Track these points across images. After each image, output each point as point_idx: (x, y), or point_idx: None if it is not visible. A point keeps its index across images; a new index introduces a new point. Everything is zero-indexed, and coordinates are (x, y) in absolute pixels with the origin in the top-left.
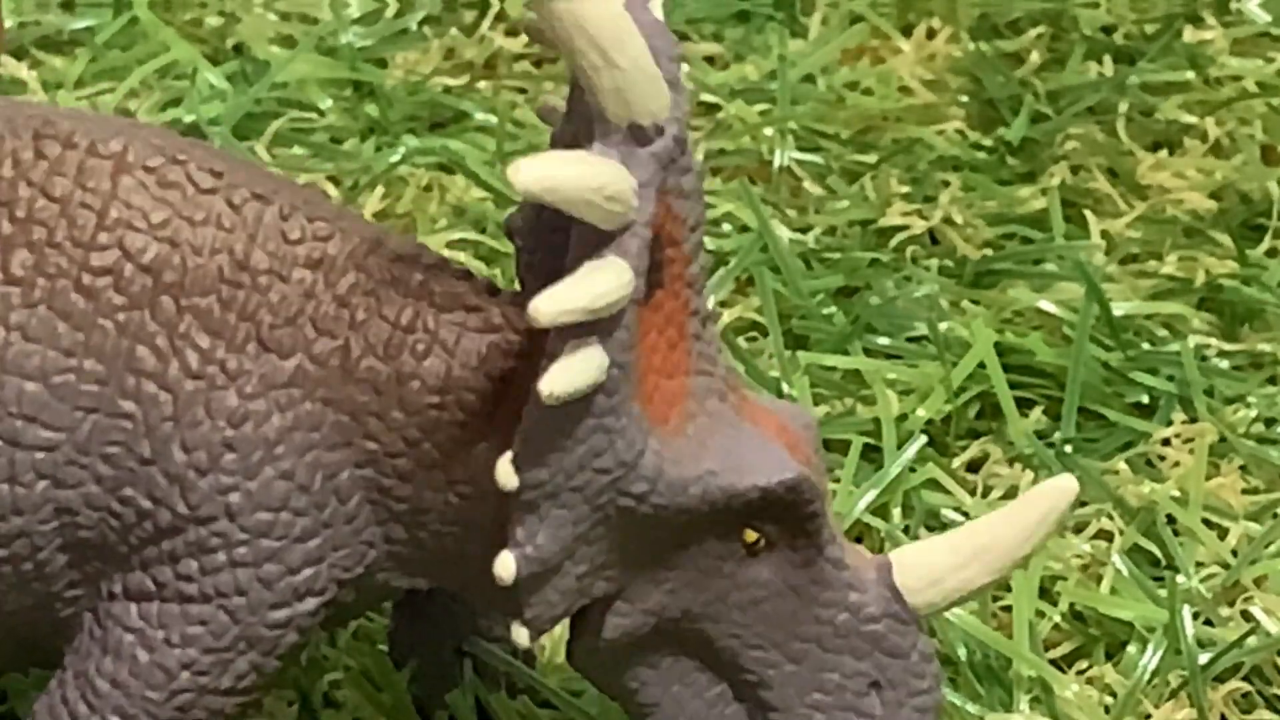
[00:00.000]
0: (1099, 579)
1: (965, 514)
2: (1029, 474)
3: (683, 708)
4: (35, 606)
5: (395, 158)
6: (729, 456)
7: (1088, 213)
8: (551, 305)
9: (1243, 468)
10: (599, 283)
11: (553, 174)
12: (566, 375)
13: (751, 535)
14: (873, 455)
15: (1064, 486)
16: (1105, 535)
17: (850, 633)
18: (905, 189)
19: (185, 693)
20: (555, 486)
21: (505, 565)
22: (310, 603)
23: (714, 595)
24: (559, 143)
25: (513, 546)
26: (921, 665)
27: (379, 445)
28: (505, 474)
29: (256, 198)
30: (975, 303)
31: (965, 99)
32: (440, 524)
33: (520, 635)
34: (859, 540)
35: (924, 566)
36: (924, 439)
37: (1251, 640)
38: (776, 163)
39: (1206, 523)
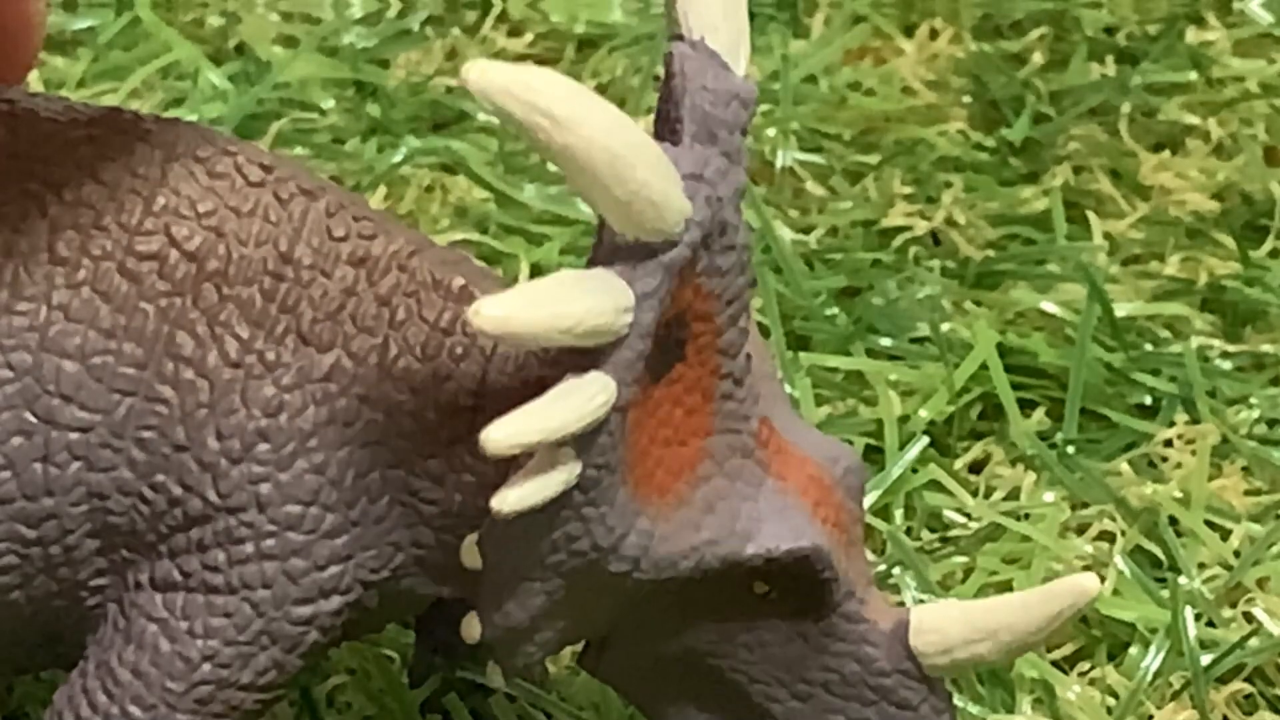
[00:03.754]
0: (1101, 580)
1: (967, 515)
2: (1031, 475)
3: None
4: (61, 594)
5: (397, 158)
6: (737, 521)
7: (1090, 213)
8: (504, 436)
9: (1245, 469)
10: (567, 409)
11: (513, 318)
12: (522, 494)
13: (762, 587)
14: (874, 456)
15: (1086, 587)
16: (1107, 536)
17: (859, 683)
18: (907, 189)
19: (205, 685)
20: (525, 569)
21: (470, 628)
22: (334, 601)
23: (719, 636)
24: None
25: (480, 612)
26: (930, 716)
27: (412, 445)
28: (469, 556)
29: (304, 193)
30: (977, 303)
31: (967, 99)
32: (469, 529)
33: (495, 678)
34: None
35: (938, 634)
36: (926, 440)
37: (1254, 641)
38: (779, 163)
39: (1209, 524)
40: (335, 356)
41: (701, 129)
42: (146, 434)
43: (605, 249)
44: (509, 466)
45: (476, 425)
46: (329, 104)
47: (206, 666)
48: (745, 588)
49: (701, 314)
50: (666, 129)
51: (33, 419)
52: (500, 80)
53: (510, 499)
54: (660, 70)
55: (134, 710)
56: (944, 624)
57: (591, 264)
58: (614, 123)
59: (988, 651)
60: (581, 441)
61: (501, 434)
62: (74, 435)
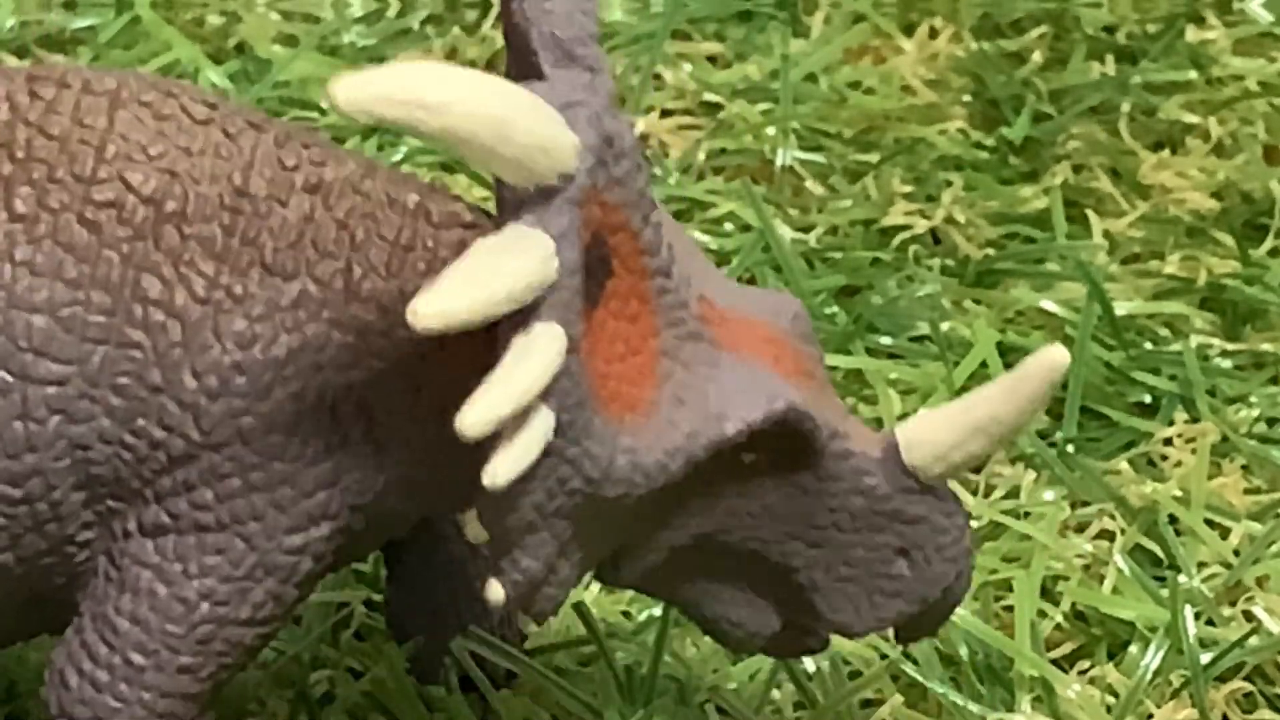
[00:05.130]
0: (1101, 579)
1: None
2: (1030, 473)
3: (719, 597)
4: (49, 550)
5: (397, 157)
6: (711, 404)
7: (1090, 212)
8: (480, 416)
9: (1244, 467)
10: (529, 370)
11: (451, 310)
12: (511, 462)
13: (750, 456)
14: None
15: (1056, 357)
16: (1107, 535)
17: (866, 514)
18: (907, 188)
19: (205, 624)
20: (527, 522)
21: (495, 593)
22: (325, 527)
23: (724, 513)
24: None
25: (498, 574)
26: (942, 521)
27: (385, 364)
28: (474, 530)
29: (252, 126)
30: (977, 302)
31: (967, 98)
32: (449, 445)
33: (528, 624)
34: None
35: (929, 444)
36: None
37: (1253, 640)
38: (779, 162)
39: (1208, 522)
40: (301, 284)
41: (558, 53)
42: (123, 380)
43: (510, 203)
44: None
45: (446, 339)
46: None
47: (205, 606)
48: (734, 462)
49: (615, 225)
50: (523, 65)
51: (8, 377)
52: (369, 91)
53: (502, 471)
54: (660, 69)
55: (136, 657)
56: (932, 433)
57: (500, 221)
58: (484, 89)
59: (980, 447)
60: (547, 392)
61: (476, 417)
62: (51, 389)
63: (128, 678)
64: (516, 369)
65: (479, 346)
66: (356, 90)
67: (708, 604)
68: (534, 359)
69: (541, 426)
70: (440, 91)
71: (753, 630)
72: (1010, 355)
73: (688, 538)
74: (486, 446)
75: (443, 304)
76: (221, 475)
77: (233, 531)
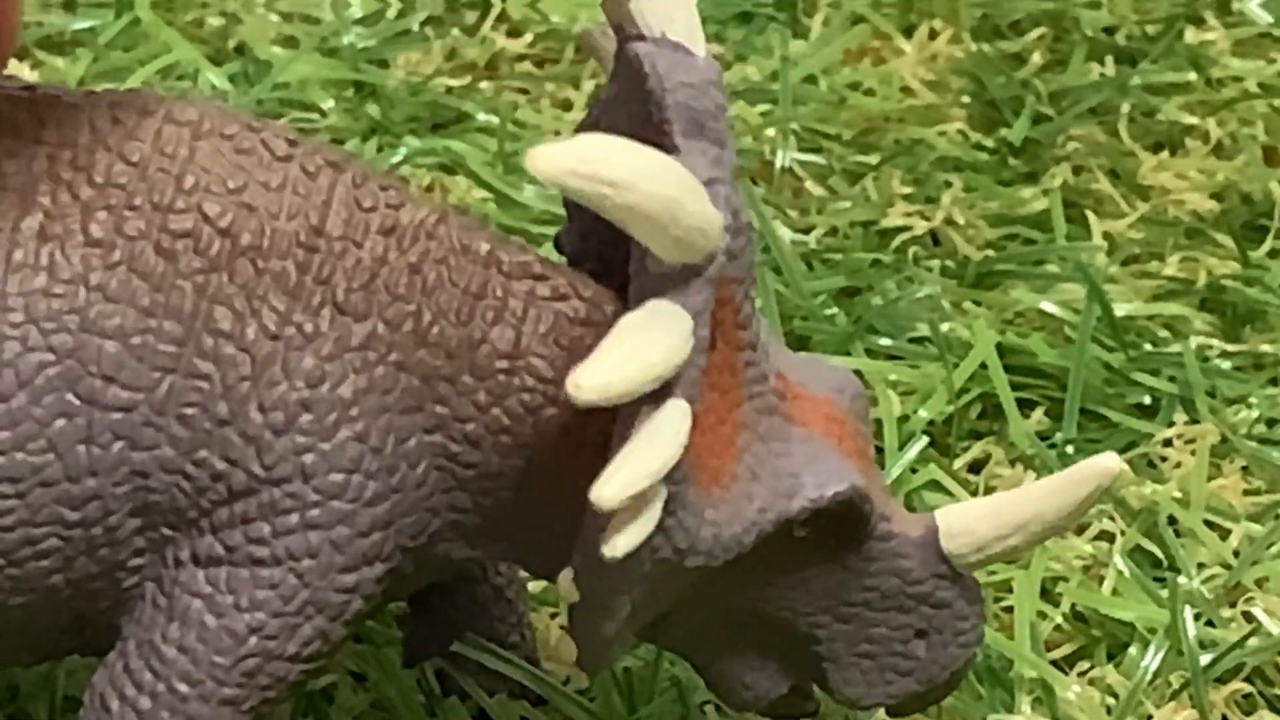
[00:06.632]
0: (1100, 580)
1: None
2: (1030, 475)
3: (736, 658)
4: (100, 575)
5: (397, 158)
6: (780, 481)
7: (1089, 213)
8: (618, 492)
9: (1244, 469)
10: (663, 447)
11: (611, 384)
12: (630, 536)
13: (801, 531)
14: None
15: (1109, 466)
16: (1107, 536)
17: (897, 594)
18: (907, 190)
19: (252, 657)
20: (615, 587)
21: (571, 651)
22: (377, 568)
23: (764, 582)
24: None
25: (576, 635)
26: (965, 609)
27: (449, 410)
28: (567, 589)
29: (330, 166)
30: (977, 303)
31: (967, 100)
32: (507, 490)
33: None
34: None
35: (969, 535)
36: (925, 440)
37: (1253, 641)
38: (778, 163)
39: (1208, 524)
40: (371, 325)
41: (690, 125)
42: (188, 410)
43: (652, 279)
44: (545, 428)
45: (511, 388)
46: (329, 104)
47: (253, 639)
48: (787, 535)
49: (723, 299)
50: (651, 132)
51: (75, 401)
52: (562, 162)
53: (622, 545)
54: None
55: (181, 687)
56: (973, 524)
57: (639, 296)
58: (660, 169)
59: (1019, 543)
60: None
61: (613, 492)
62: (117, 415)
63: (171, 706)
64: (651, 446)
65: (547, 391)
66: (551, 162)
67: (725, 664)
68: (667, 437)
69: (659, 502)
70: (623, 170)
71: (760, 693)
72: (1010, 356)
73: (727, 603)
74: (549, 497)
75: (602, 379)
76: (280, 510)
77: (287, 567)
